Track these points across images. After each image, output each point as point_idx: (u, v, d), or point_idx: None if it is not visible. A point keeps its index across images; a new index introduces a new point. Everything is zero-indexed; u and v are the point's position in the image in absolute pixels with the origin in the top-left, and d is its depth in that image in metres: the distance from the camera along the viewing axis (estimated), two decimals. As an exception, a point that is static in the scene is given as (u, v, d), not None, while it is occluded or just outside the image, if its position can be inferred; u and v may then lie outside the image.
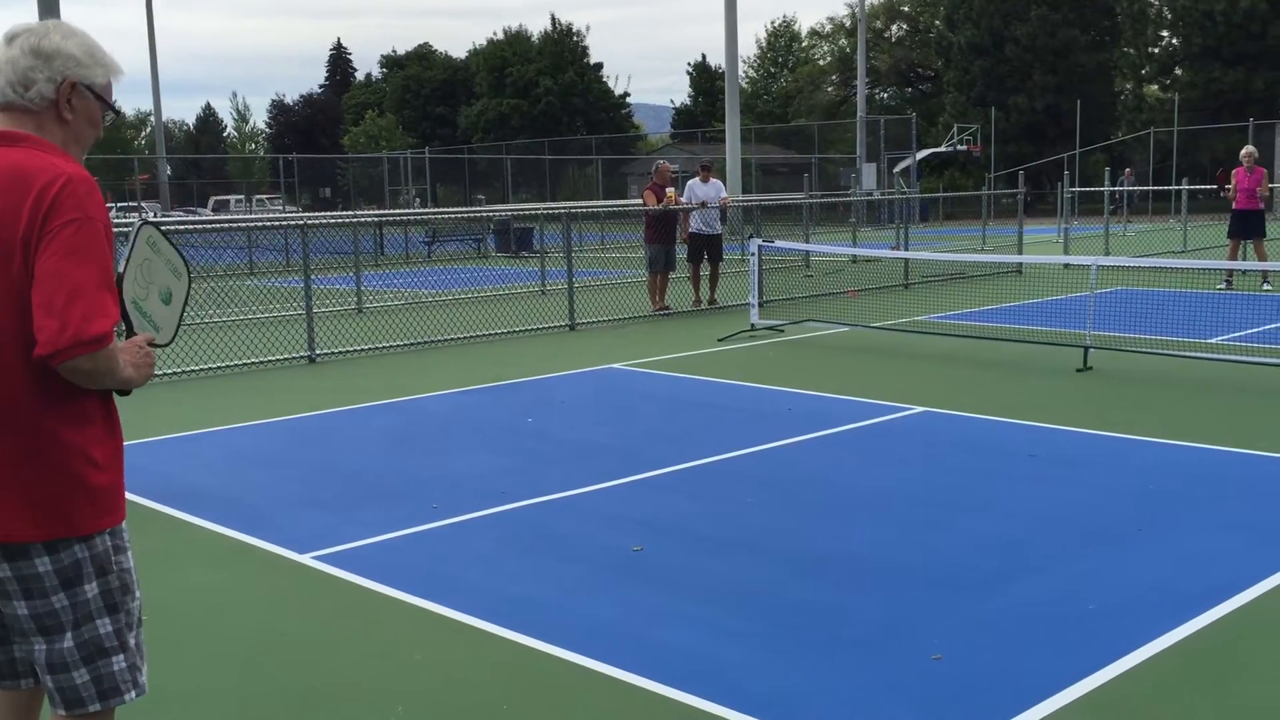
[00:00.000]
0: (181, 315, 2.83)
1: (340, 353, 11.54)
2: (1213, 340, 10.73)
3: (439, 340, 12.21)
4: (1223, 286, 14.84)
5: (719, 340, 11.82)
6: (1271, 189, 32.67)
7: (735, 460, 6.84)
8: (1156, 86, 55.29)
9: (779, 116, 64.06)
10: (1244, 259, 14.92)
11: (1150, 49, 53.18)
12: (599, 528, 5.58)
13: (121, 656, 2.52)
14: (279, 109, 74.09)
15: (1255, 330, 11.35)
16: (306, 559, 5.26)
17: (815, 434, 7.47)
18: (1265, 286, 14.67)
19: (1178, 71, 50.79)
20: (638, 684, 3.87)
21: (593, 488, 6.25)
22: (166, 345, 2.76)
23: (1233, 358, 9.61)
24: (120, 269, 2.56)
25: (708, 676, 3.92)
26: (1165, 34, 52.12)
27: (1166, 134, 42.39)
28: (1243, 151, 15.27)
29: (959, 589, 4.65)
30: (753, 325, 12.41)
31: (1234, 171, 15.21)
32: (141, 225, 2.69)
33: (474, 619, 4.46)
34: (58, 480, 2.41)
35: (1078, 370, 9.40)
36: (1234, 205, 14.93)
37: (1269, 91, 40.16)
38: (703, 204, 14.78)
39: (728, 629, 4.32)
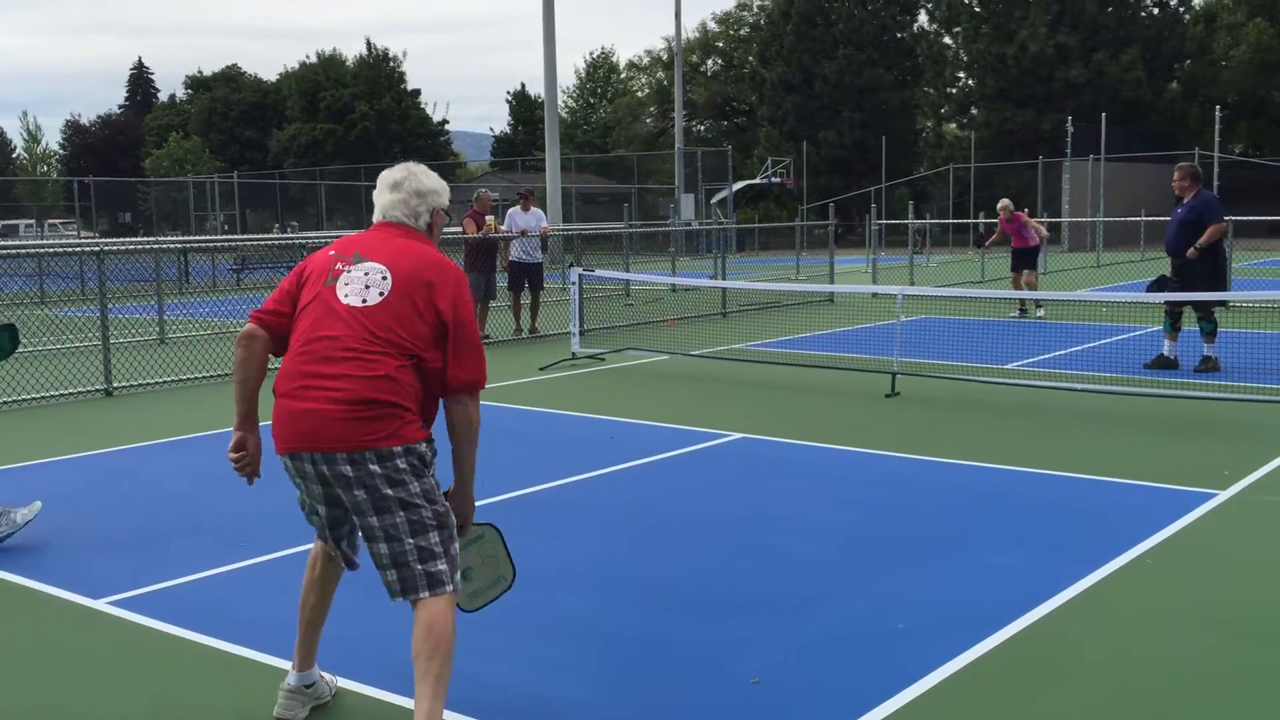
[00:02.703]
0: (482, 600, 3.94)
1: (141, 385, 10.98)
2: (1009, 366, 11.30)
3: (248, 371, 11.73)
4: (1015, 314, 16.24)
5: (540, 369, 11.78)
6: (1058, 222, 34.80)
7: (556, 490, 6.80)
8: (955, 125, 58.33)
9: (599, 146, 64.70)
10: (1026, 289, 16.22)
11: (948, 89, 56.09)
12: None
13: None
14: (74, 129, 70.41)
15: (1048, 356, 12.01)
16: (100, 605, 4.94)
17: (636, 462, 7.49)
18: (1039, 313, 15.94)
19: (974, 111, 53.69)
20: (456, 722, 3.77)
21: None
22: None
23: (1028, 382, 10.14)
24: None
25: (526, 710, 3.85)
26: (962, 75, 55.07)
27: (964, 170, 44.71)
28: (998, 206, 16.90)
29: (776, 612, 4.71)
30: (574, 354, 12.41)
31: (999, 223, 17.00)
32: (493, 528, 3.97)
33: (281, 660, 4.27)
34: None
35: (886, 395, 9.74)
36: (1012, 244, 16.49)
37: (1056, 131, 42.80)
38: (523, 232, 14.74)
39: (546, 661, 4.26)
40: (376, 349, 3.38)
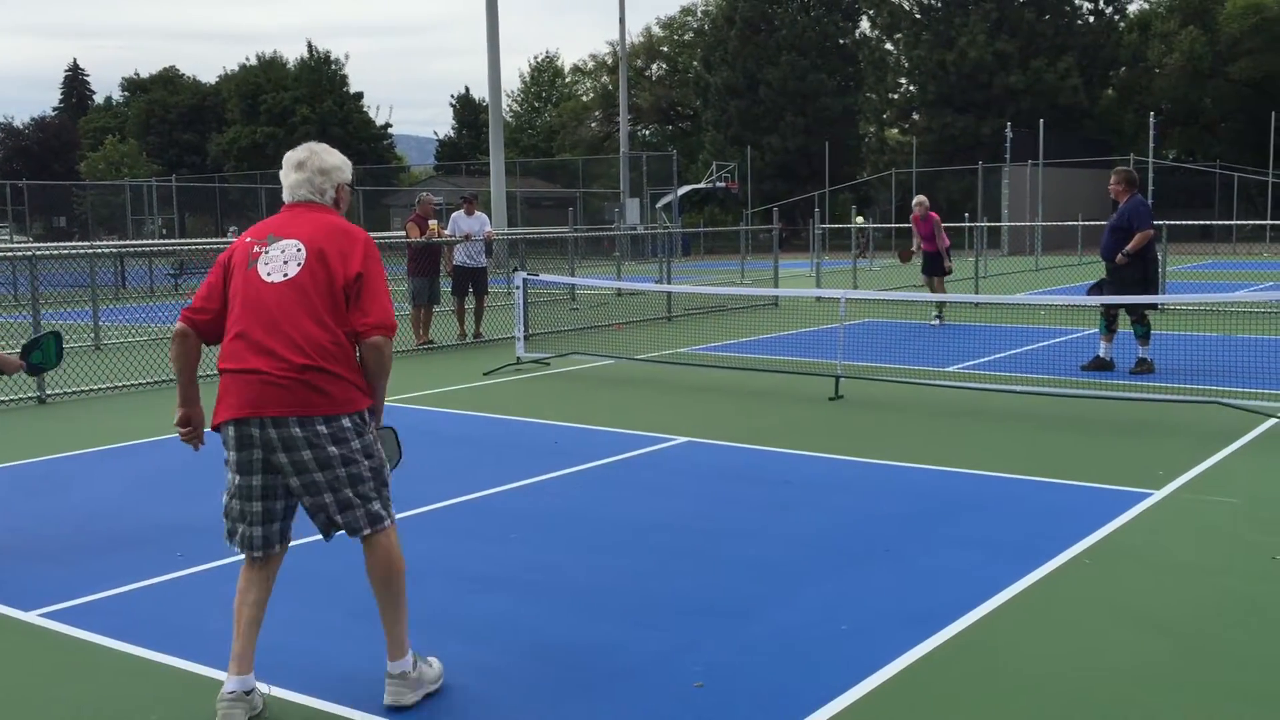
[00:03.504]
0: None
1: (74, 393, 10.76)
2: (950, 368, 11.43)
3: (187, 377, 11.55)
4: (936, 322, 15.58)
5: (484, 374, 11.71)
6: (998, 226, 35.28)
7: (499, 495, 6.75)
8: (897, 130, 59.00)
9: (543, 150, 64.58)
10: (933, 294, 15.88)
11: (890, 95, 56.75)
12: (355, 571, 5.35)
13: None
14: (7, 132, 68.88)
15: (989, 358, 12.16)
16: (32, 616, 4.83)
17: (581, 466, 7.47)
18: (935, 320, 15.56)
19: (915, 117, 54.34)
20: (397, 732, 3.73)
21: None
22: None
23: (968, 385, 10.26)
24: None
25: (464, 716, 3.81)
26: (903, 81, 55.73)
27: (907, 174, 45.23)
28: (914, 201, 16.28)
29: (720, 615, 4.72)
30: (519, 358, 12.36)
31: (911, 218, 16.31)
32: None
33: (220, 672, 4.19)
34: None
35: (830, 399, 9.80)
36: (923, 246, 16.09)
37: (995, 136, 43.42)
38: (467, 236, 14.66)
39: (488, 668, 4.23)
40: (305, 318, 3.68)
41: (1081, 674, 4.12)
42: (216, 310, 3.82)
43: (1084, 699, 3.92)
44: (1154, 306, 11.10)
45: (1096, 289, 11.23)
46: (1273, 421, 8.38)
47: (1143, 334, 10.86)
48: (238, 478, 3.79)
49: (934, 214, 16.03)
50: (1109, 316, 10.99)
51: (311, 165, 3.94)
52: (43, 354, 5.95)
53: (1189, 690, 4.01)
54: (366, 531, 3.83)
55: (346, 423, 3.72)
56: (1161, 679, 4.10)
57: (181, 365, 3.89)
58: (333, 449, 3.70)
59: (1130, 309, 10.73)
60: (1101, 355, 11.05)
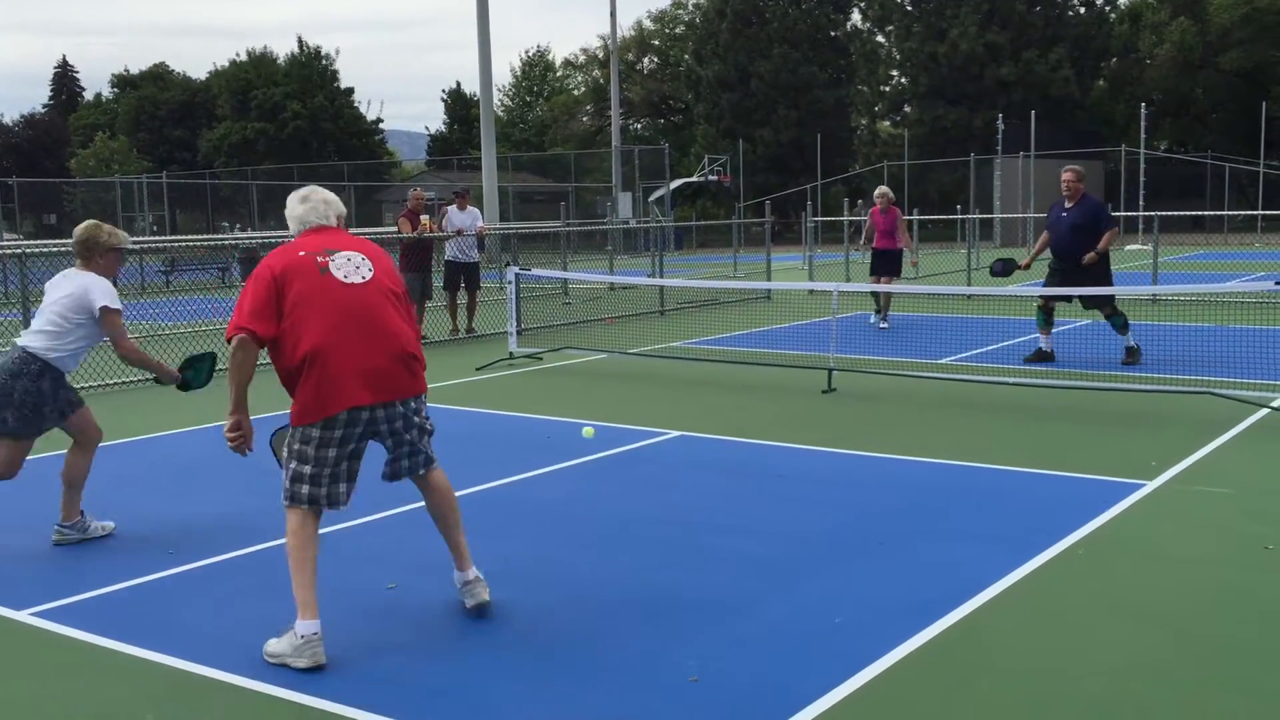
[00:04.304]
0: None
1: (66, 390, 10.70)
2: (942, 360, 11.44)
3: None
4: (878, 321, 14.50)
5: (477, 369, 11.69)
6: (990, 218, 35.33)
7: (493, 491, 6.75)
8: (889, 123, 58.97)
9: (535, 145, 64.48)
10: (882, 295, 14.50)
11: (882, 87, 56.68)
12: (350, 567, 5.36)
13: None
14: (-4, 129, 68.67)
15: (981, 350, 12.17)
16: (23, 615, 4.81)
17: (574, 461, 7.46)
18: (882, 324, 14.35)
19: (907, 109, 54.31)
20: (391, 729, 3.72)
21: (342, 526, 6.00)
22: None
23: (960, 377, 10.26)
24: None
25: (463, 713, 3.81)
26: (895, 73, 55.68)
27: (898, 167, 45.20)
28: (877, 192, 14.77)
29: (713, 609, 4.71)
30: (511, 353, 12.34)
31: (870, 211, 14.78)
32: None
33: (213, 670, 4.19)
34: None
35: (823, 391, 9.80)
36: (874, 245, 14.50)
37: (987, 129, 43.43)
38: (459, 231, 14.62)
39: (483, 663, 4.22)
40: (392, 311, 4.36)
41: (1075, 665, 4.12)
42: (274, 323, 4.26)
43: (1077, 690, 3.92)
44: (1113, 297, 11.02)
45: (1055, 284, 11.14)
46: (1264, 411, 8.40)
47: (1122, 324, 10.89)
48: (334, 451, 4.30)
49: (896, 208, 14.56)
50: (1048, 310, 11.14)
51: (315, 198, 4.58)
52: (195, 373, 6.05)
53: (1182, 681, 4.01)
54: (425, 471, 4.61)
55: (424, 398, 4.55)
56: (1155, 670, 4.10)
57: (243, 374, 4.31)
58: (415, 419, 4.49)
59: (1101, 303, 10.77)
60: (1043, 347, 11.21)
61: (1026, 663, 4.16)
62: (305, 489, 4.31)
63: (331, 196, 4.64)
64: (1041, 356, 11.16)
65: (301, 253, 4.33)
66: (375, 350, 4.26)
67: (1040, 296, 11.06)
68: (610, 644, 4.39)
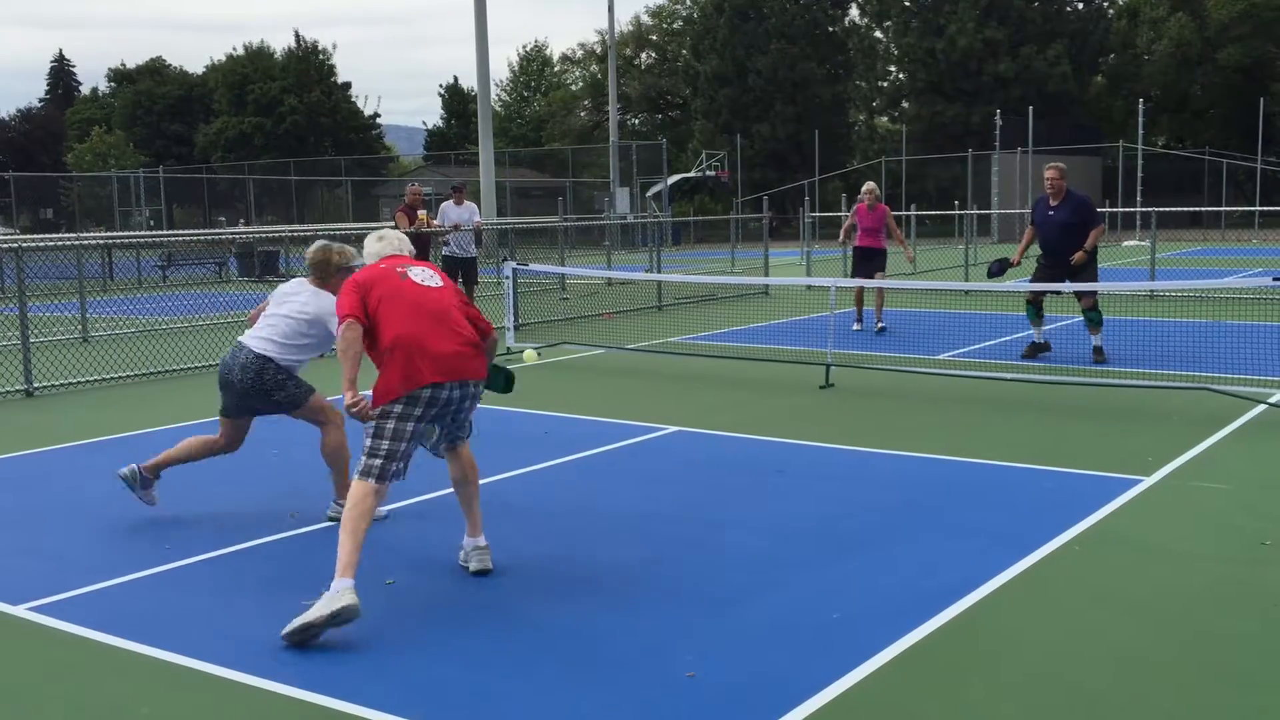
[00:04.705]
0: None
1: (62, 385, 10.71)
2: (940, 356, 11.43)
3: (175, 370, 11.52)
4: (857, 326, 13.63)
5: (474, 364, 11.66)
6: (988, 214, 35.30)
7: (490, 486, 6.73)
8: (886, 118, 58.95)
9: (533, 140, 64.41)
10: (874, 295, 13.67)
11: (880, 83, 56.68)
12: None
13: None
14: (-7, 124, 68.56)
15: (978, 346, 12.17)
16: (20, 610, 4.80)
17: (571, 456, 7.46)
18: (878, 325, 13.52)
19: (905, 105, 54.29)
20: (388, 724, 3.72)
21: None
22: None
23: (958, 372, 10.26)
24: None
25: (462, 707, 3.81)
26: (893, 69, 55.67)
27: (896, 163, 45.21)
28: (864, 188, 13.66)
29: (712, 604, 4.71)
30: (508, 349, 12.33)
31: (855, 208, 13.68)
32: None
33: (210, 665, 4.18)
34: None
35: (820, 387, 9.80)
36: (857, 240, 13.42)
37: (985, 124, 43.42)
38: (456, 226, 14.61)
39: (483, 657, 4.22)
40: (459, 313, 5.14)
41: (1072, 660, 4.13)
42: (363, 314, 5.00)
43: (1075, 685, 3.92)
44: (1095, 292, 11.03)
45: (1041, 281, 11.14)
46: (1262, 407, 8.40)
47: (1097, 320, 10.91)
48: (411, 425, 4.91)
49: (885, 205, 13.54)
50: (1037, 304, 11.19)
51: (390, 237, 5.48)
52: (491, 378, 5.95)
53: (1180, 676, 4.01)
54: (465, 440, 5.36)
55: (483, 383, 5.23)
56: (1152, 665, 4.10)
57: (354, 352, 4.93)
58: (471, 399, 5.16)
59: (1084, 297, 10.81)
60: (1036, 340, 11.27)
61: (1024, 657, 4.16)
62: (378, 463, 4.88)
63: (404, 237, 5.52)
64: (1037, 350, 11.18)
65: (382, 265, 5.20)
66: (447, 338, 4.96)
67: (1029, 292, 11.09)
68: (608, 638, 4.39)
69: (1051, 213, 10.93)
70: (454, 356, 4.97)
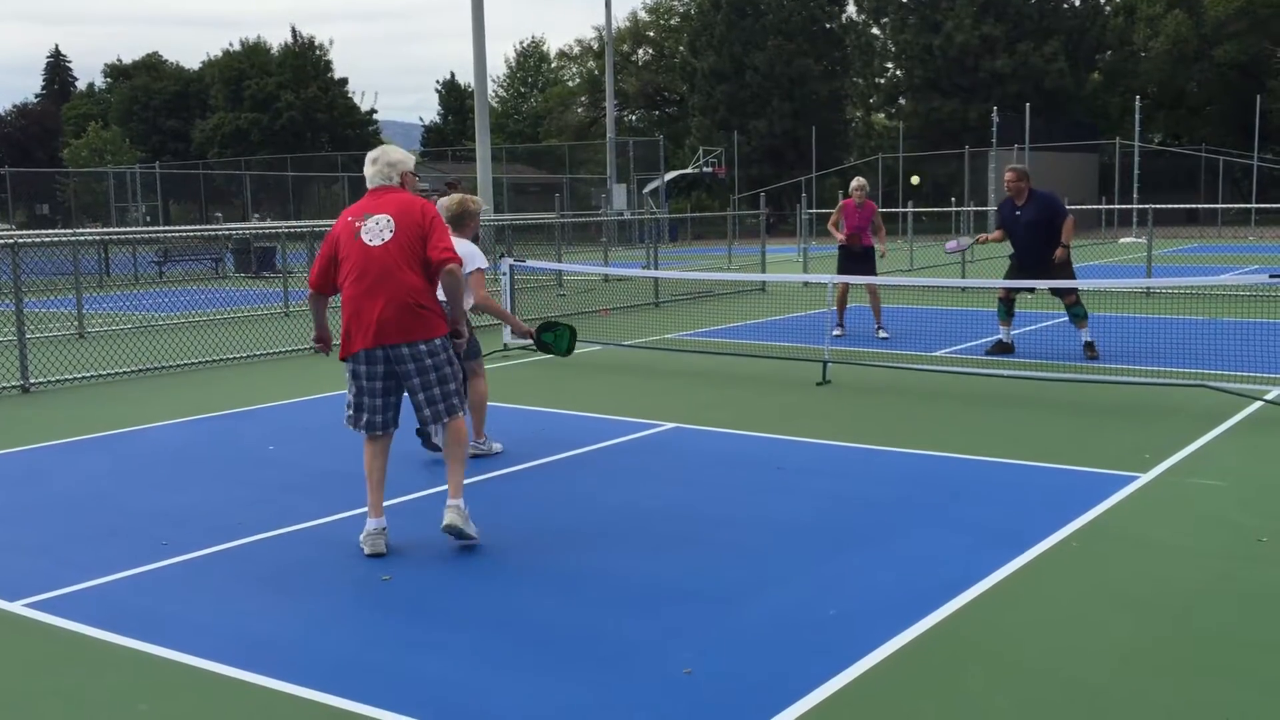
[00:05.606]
0: None
1: (59, 381, 10.69)
2: (937, 353, 11.44)
3: (172, 366, 11.51)
4: (838, 331, 12.77)
5: (471, 360, 11.66)
6: (985, 211, 35.33)
7: (487, 483, 6.74)
8: (883, 115, 58.94)
9: (530, 136, 64.38)
10: (859, 296, 13.62)
11: (877, 80, 56.68)
12: (344, 558, 5.35)
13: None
14: (-11, 119, 68.41)
15: (975, 343, 12.17)
16: (16, 607, 4.80)
17: (568, 453, 7.46)
18: (880, 334, 12.87)
19: (901, 101, 54.28)
20: (387, 719, 3.72)
21: (338, 516, 6.01)
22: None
23: (955, 369, 10.27)
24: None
25: (460, 705, 3.81)
26: (890, 66, 55.65)
27: (893, 159, 45.22)
28: (853, 184, 13.09)
29: (709, 602, 4.71)
30: (505, 345, 12.33)
31: (842, 204, 13.21)
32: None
33: (207, 662, 4.18)
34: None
35: (817, 384, 9.80)
36: (845, 231, 12.94)
37: (982, 121, 43.44)
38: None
39: (480, 654, 4.22)
40: (404, 267, 5.19)
41: (1070, 656, 4.13)
42: (329, 275, 5.37)
43: (1072, 682, 3.93)
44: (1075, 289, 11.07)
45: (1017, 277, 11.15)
46: (1259, 404, 8.41)
47: (1082, 315, 10.93)
48: (365, 383, 5.30)
49: (873, 202, 13.07)
50: (1009, 302, 11.27)
51: (383, 160, 5.48)
52: (555, 337, 7.05)
53: (1176, 671, 4.02)
54: (446, 420, 5.47)
55: (438, 343, 5.32)
56: (1149, 662, 4.11)
57: (316, 309, 5.58)
58: (428, 361, 5.29)
59: (1065, 294, 10.83)
60: (1003, 339, 11.31)
61: (1021, 654, 4.17)
62: (349, 414, 5.44)
63: (397, 157, 5.53)
64: (1002, 349, 11.23)
65: (350, 218, 5.38)
66: (380, 304, 5.15)
67: (1002, 289, 11.14)
68: (605, 635, 4.39)
69: (1018, 213, 11.05)
70: (383, 322, 5.18)
